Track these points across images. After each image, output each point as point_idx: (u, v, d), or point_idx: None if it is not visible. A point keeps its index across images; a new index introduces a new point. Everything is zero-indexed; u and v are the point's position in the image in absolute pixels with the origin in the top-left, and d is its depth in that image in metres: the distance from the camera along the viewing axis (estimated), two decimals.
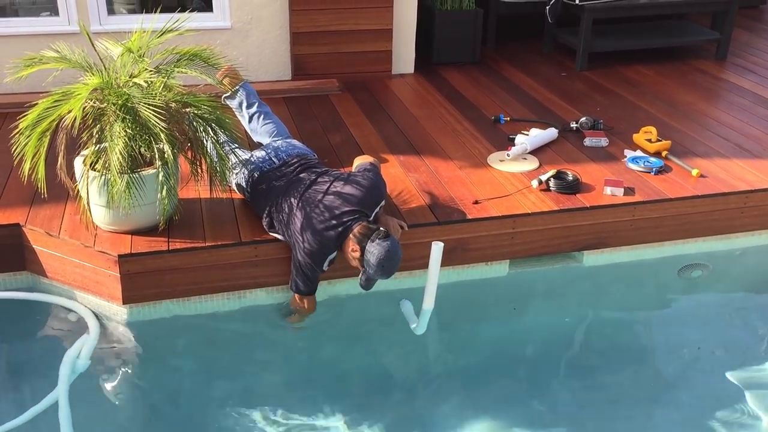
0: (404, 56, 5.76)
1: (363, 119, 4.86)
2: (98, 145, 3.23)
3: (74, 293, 3.51)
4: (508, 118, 4.86)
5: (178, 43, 3.43)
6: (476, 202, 3.74)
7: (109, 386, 3.23)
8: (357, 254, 3.13)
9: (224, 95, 3.94)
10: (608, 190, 3.84)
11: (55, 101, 3.10)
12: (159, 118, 3.04)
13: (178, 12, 3.60)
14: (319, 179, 3.39)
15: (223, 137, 3.37)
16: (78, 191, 3.30)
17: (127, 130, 3.11)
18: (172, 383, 3.27)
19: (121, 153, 3.07)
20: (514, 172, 4.09)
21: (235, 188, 3.68)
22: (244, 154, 3.65)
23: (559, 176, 3.92)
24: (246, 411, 3.09)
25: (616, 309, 3.81)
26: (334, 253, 3.25)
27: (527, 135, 4.44)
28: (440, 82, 5.64)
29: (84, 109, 3.07)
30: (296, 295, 3.36)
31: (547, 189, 3.87)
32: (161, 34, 3.38)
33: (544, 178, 3.90)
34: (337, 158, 4.21)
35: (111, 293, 3.38)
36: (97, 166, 3.24)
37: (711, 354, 3.49)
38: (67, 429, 2.85)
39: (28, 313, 3.52)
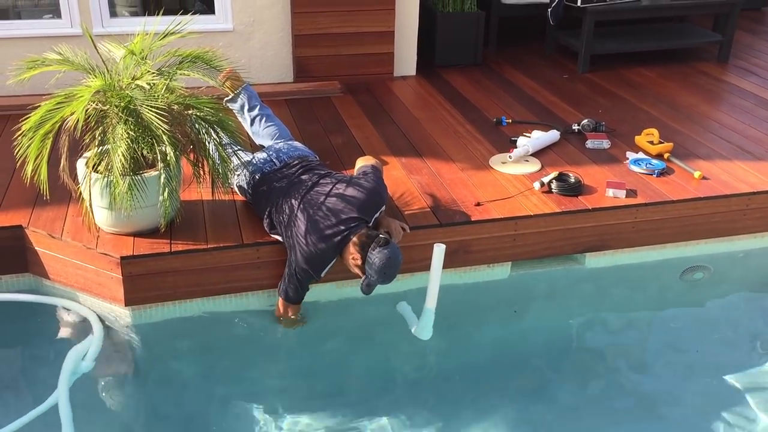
0: (406, 58, 5.77)
1: (365, 121, 4.87)
2: (101, 147, 3.24)
3: (76, 295, 3.52)
4: (510, 120, 4.86)
5: (180, 45, 3.44)
6: (478, 204, 3.74)
7: (111, 388, 3.23)
8: (358, 261, 3.14)
9: (226, 98, 3.94)
10: (610, 192, 3.84)
11: (58, 103, 3.10)
12: (161, 120, 3.04)
13: (180, 14, 3.60)
14: (321, 181, 3.39)
15: (225, 139, 3.38)
16: (80, 193, 3.31)
17: (130, 132, 3.12)
18: (174, 385, 3.27)
19: (123, 155, 3.07)
20: (516, 174, 4.09)
21: (237, 190, 3.69)
22: (246, 156, 3.65)
23: (561, 178, 3.92)
24: (248, 413, 3.09)
25: (618, 311, 3.81)
26: (333, 260, 3.24)
27: (529, 137, 4.44)
28: (442, 84, 5.65)
29: (86, 111, 3.07)
30: (281, 303, 3.35)
31: (549, 191, 3.87)
32: (163, 37, 3.39)
33: (546, 180, 3.90)
34: (339, 160, 4.22)
35: (113, 295, 3.39)
36: (99, 168, 3.25)
37: (712, 356, 3.49)
38: (68, 430, 2.85)
39: (30, 316, 3.52)
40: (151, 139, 3.16)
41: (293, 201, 3.31)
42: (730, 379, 3.32)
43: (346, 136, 4.61)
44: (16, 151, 3.15)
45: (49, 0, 5.13)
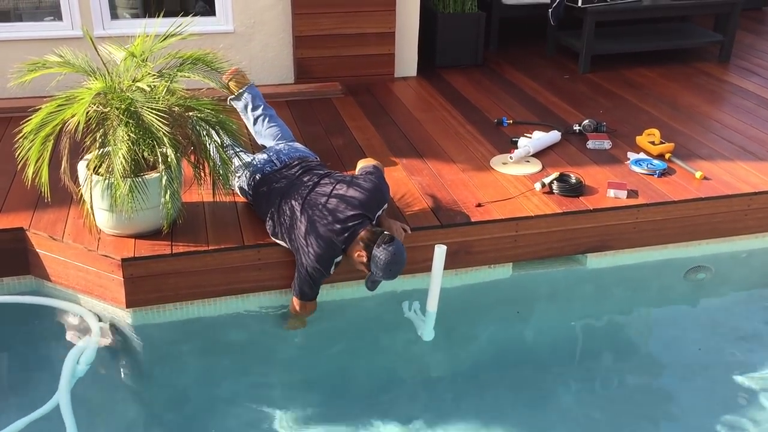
0: (407, 59, 5.77)
1: (366, 122, 4.87)
2: (101, 149, 3.24)
3: (78, 297, 3.52)
4: (511, 121, 4.86)
5: (181, 47, 3.44)
6: (479, 205, 3.74)
7: (112, 389, 3.23)
8: (364, 259, 3.15)
9: (230, 97, 3.95)
10: (611, 192, 3.84)
11: (59, 106, 3.10)
12: (162, 122, 3.04)
13: (181, 16, 3.61)
14: (321, 182, 3.39)
15: (226, 140, 3.38)
16: (81, 195, 3.31)
17: (131, 134, 3.12)
18: (175, 386, 3.27)
19: (124, 157, 3.08)
20: (517, 174, 4.08)
21: (238, 191, 3.69)
22: (247, 157, 3.66)
23: (562, 179, 3.92)
24: (249, 414, 3.09)
25: (620, 312, 3.80)
26: (340, 257, 3.25)
27: (530, 138, 4.44)
28: (443, 85, 5.65)
29: (87, 113, 3.07)
30: (297, 301, 3.35)
31: (550, 192, 3.87)
32: (164, 39, 3.39)
33: (547, 180, 3.89)
34: (340, 161, 4.22)
35: (114, 297, 3.39)
36: (100, 170, 3.25)
37: (714, 356, 3.48)
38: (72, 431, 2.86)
39: (31, 317, 3.53)
40: (152, 141, 3.16)
41: (294, 202, 3.31)
42: (732, 379, 3.31)
43: (346, 138, 4.61)
44: (17, 154, 3.15)
45: (50, 2, 5.14)
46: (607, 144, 4.45)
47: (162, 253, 3.32)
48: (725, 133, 4.72)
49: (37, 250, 3.52)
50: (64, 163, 3.14)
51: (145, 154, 3.23)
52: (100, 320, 3.43)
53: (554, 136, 4.49)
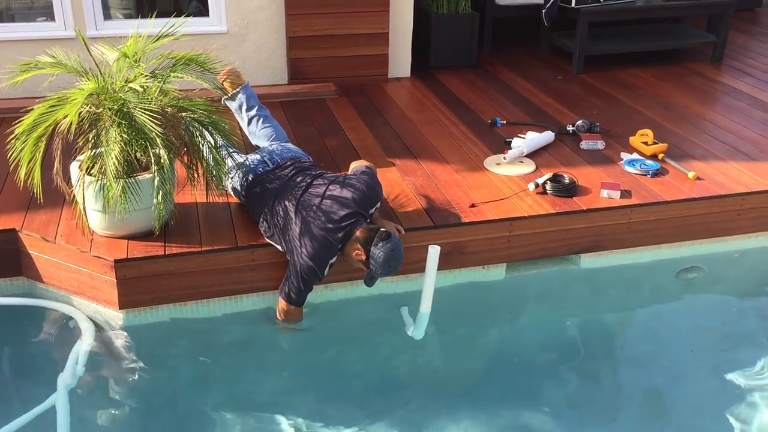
0: (401, 60, 5.77)
1: (359, 123, 4.86)
2: (94, 150, 3.23)
3: (71, 298, 3.51)
4: (505, 122, 4.86)
5: (174, 47, 3.43)
6: (473, 206, 3.74)
7: (105, 391, 3.22)
8: (363, 257, 3.16)
9: (224, 97, 3.94)
10: (605, 193, 3.85)
11: (51, 106, 3.09)
12: (155, 123, 3.03)
13: (174, 17, 3.60)
14: (314, 182, 3.39)
15: (219, 141, 3.37)
16: (74, 196, 3.30)
17: (123, 135, 3.11)
18: (169, 388, 3.26)
19: (117, 158, 3.06)
20: (510, 175, 4.09)
21: (231, 192, 3.68)
22: (240, 158, 3.65)
23: (555, 179, 3.92)
24: (243, 416, 3.08)
25: (613, 312, 3.81)
26: (335, 258, 3.25)
27: (524, 138, 4.44)
28: (437, 85, 5.65)
29: (80, 114, 3.06)
30: (282, 304, 3.34)
31: (544, 192, 3.87)
32: (157, 39, 3.38)
33: (540, 181, 3.90)
34: (334, 162, 4.21)
35: (107, 298, 3.38)
36: (93, 171, 3.24)
37: (707, 356, 3.49)
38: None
39: (24, 319, 3.51)
40: (144, 141, 3.15)
41: (287, 203, 3.31)
42: (725, 378, 3.32)
43: (340, 138, 4.61)
44: (9, 155, 3.14)
45: (42, 3, 5.12)
46: (600, 144, 4.46)
47: (155, 254, 3.31)
48: (718, 134, 4.74)
49: (30, 251, 3.50)
50: (56, 164, 3.13)
51: (138, 154, 3.22)
52: (92, 322, 3.41)
53: (548, 136, 4.49)
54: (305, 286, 3.27)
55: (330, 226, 3.19)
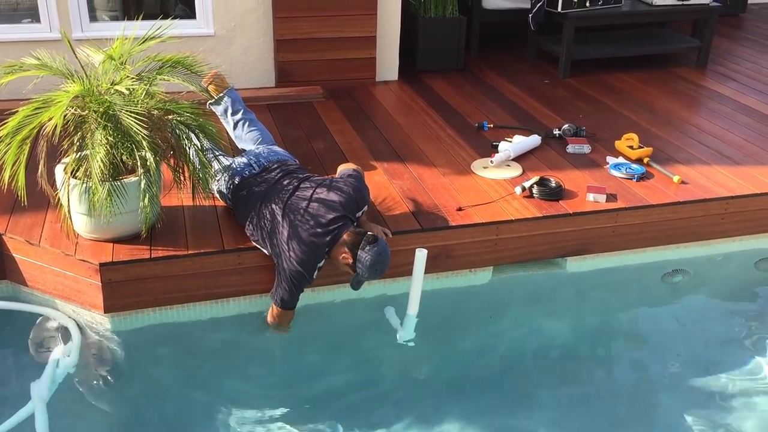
0: (388, 63, 5.77)
1: (347, 126, 4.86)
2: (79, 153, 3.21)
3: (55, 302, 3.48)
4: (492, 125, 4.88)
5: (160, 50, 3.42)
6: (460, 209, 3.75)
7: (90, 396, 3.20)
8: (349, 260, 3.16)
9: (210, 101, 3.93)
10: (591, 196, 3.87)
11: (36, 109, 3.07)
12: (141, 126, 3.02)
13: (161, 19, 3.58)
14: (301, 185, 3.38)
15: (206, 144, 3.36)
16: (59, 199, 3.27)
17: (109, 137, 3.10)
18: (155, 392, 3.24)
19: (102, 161, 3.05)
20: (497, 178, 4.10)
21: (217, 195, 3.67)
22: (226, 161, 3.64)
23: (542, 183, 3.94)
24: (229, 420, 3.07)
25: (599, 315, 3.83)
26: (323, 261, 3.25)
27: (510, 142, 4.46)
28: (424, 89, 5.66)
29: (65, 116, 3.05)
30: (275, 309, 3.33)
31: (531, 196, 3.89)
32: (143, 41, 3.37)
33: (527, 184, 3.91)
34: (321, 165, 4.21)
35: (92, 302, 3.36)
36: (78, 173, 3.22)
37: (693, 358, 3.51)
38: None
39: (7, 323, 3.48)
40: (130, 144, 3.14)
41: (274, 207, 3.30)
42: (710, 380, 3.35)
43: (328, 142, 4.61)
44: None
45: (27, 4, 5.08)
46: (586, 148, 4.48)
47: (140, 257, 3.29)
48: (702, 138, 4.78)
49: (14, 254, 3.47)
50: (41, 167, 3.11)
51: (124, 157, 3.21)
52: (78, 326, 3.39)
53: (534, 140, 4.51)
54: (296, 289, 3.26)
55: (318, 230, 3.19)
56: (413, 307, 3.44)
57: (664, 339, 3.67)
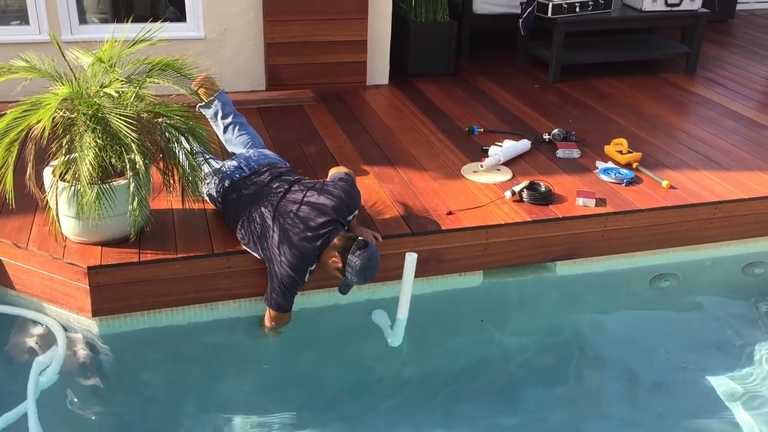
0: (379, 67, 5.78)
1: (337, 130, 4.86)
2: (68, 156, 3.19)
3: (43, 306, 3.46)
4: (482, 130, 4.89)
5: (150, 53, 3.41)
6: (450, 213, 3.76)
7: (78, 400, 3.17)
8: (339, 265, 3.15)
9: (199, 105, 3.92)
10: (580, 201, 3.88)
11: (24, 111, 3.06)
12: (130, 129, 3.01)
13: (151, 21, 3.57)
14: (292, 189, 3.37)
15: (196, 147, 3.35)
16: (47, 202, 3.26)
17: (98, 140, 3.08)
18: (143, 397, 3.23)
19: (91, 163, 3.03)
20: (487, 183, 4.11)
21: (207, 198, 3.66)
22: (216, 164, 3.63)
23: (532, 187, 3.95)
24: (218, 424, 3.06)
25: (589, 319, 3.84)
26: (314, 265, 3.24)
27: (501, 146, 4.47)
28: (415, 93, 5.67)
29: (54, 119, 3.03)
30: (272, 313, 3.32)
31: (520, 200, 3.90)
32: (133, 44, 3.36)
33: (517, 189, 3.92)
34: (312, 169, 4.21)
35: (80, 306, 3.34)
36: (66, 176, 3.20)
37: (681, 362, 3.53)
38: None
39: None
40: (119, 147, 3.12)
41: (264, 210, 3.29)
42: (698, 384, 3.36)
43: (318, 145, 4.60)
44: None
45: (16, 6, 5.06)
46: (576, 153, 4.50)
47: (129, 261, 3.27)
48: (691, 143, 4.81)
49: (1, 257, 3.45)
50: (29, 170, 3.09)
51: (113, 160, 3.19)
52: (65, 329, 3.37)
53: (524, 144, 4.53)
54: (289, 293, 3.26)
55: (309, 234, 3.18)
56: (403, 312, 3.44)
57: (653, 343, 3.68)
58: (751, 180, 4.25)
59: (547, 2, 5.88)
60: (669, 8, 6.19)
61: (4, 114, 3.08)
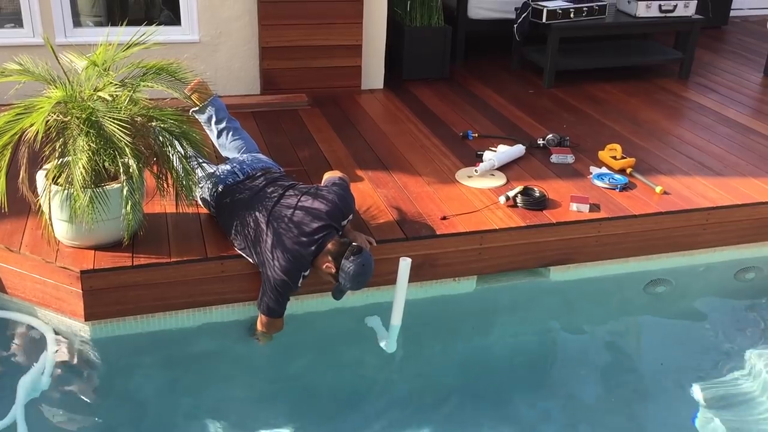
0: (374, 72, 5.78)
1: (332, 134, 4.86)
2: (61, 159, 3.18)
3: (35, 310, 3.44)
4: (477, 135, 4.90)
5: (144, 56, 3.40)
6: (444, 218, 3.76)
7: (70, 405, 3.16)
8: (332, 270, 3.15)
9: (193, 109, 3.91)
10: (574, 206, 3.89)
11: (17, 114, 3.04)
12: (124, 132, 3.00)
13: (146, 25, 3.57)
14: (286, 194, 3.37)
15: (189, 151, 3.34)
16: (40, 206, 3.24)
17: (91, 144, 3.07)
18: (136, 402, 3.21)
19: (84, 167, 3.02)
20: (481, 188, 4.11)
21: (201, 203, 3.65)
22: (210, 168, 3.62)
23: (526, 192, 3.96)
24: (211, 429, 3.04)
25: (582, 324, 3.84)
26: (308, 270, 3.23)
27: (495, 151, 4.48)
28: (409, 98, 5.67)
29: (47, 122, 3.02)
30: (264, 318, 3.31)
31: (515, 205, 3.90)
32: (127, 48, 3.35)
33: (511, 194, 3.93)
34: (306, 173, 4.20)
35: (73, 310, 3.32)
36: (59, 180, 3.19)
37: (675, 368, 3.53)
38: None
39: None
40: (113, 151, 3.11)
41: (258, 215, 3.29)
42: (691, 389, 3.36)
43: (312, 149, 4.60)
44: None
45: (10, 9, 5.05)
46: (570, 158, 4.51)
47: (122, 265, 3.26)
48: (684, 149, 4.82)
49: None
50: (22, 173, 3.08)
51: (106, 164, 3.18)
52: (57, 334, 3.35)
53: (518, 150, 4.53)
54: (281, 298, 3.25)
55: (303, 239, 3.18)
56: (397, 317, 3.44)
57: (646, 348, 3.69)
58: (744, 186, 4.27)
59: (541, 8, 5.90)
60: (663, 14, 6.22)
61: None
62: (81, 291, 3.24)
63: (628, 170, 4.35)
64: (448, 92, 5.83)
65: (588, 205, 3.88)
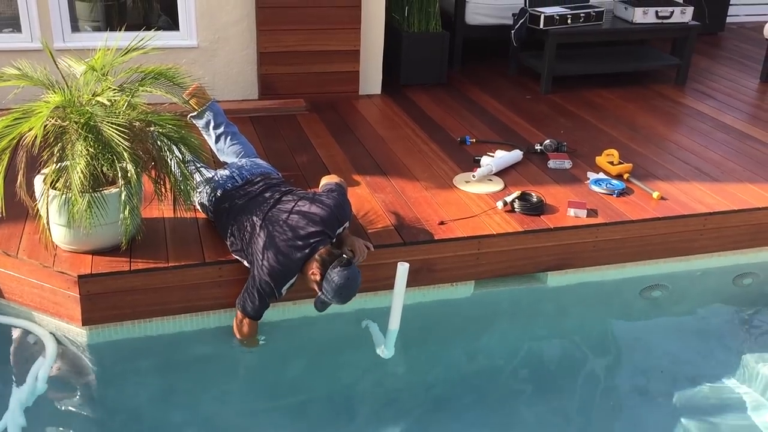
0: (371, 77, 5.80)
1: (330, 140, 4.87)
2: (59, 164, 3.18)
3: (32, 314, 3.44)
4: (474, 140, 4.91)
5: (143, 61, 3.41)
6: (442, 223, 3.76)
7: (66, 410, 3.15)
8: (317, 278, 3.12)
9: (191, 114, 3.91)
10: (571, 211, 3.90)
11: (16, 119, 3.05)
12: (122, 137, 3.00)
13: (144, 30, 3.58)
14: (283, 198, 3.37)
15: (188, 156, 3.35)
16: (38, 210, 3.24)
17: (90, 148, 3.08)
18: (133, 406, 3.21)
19: (82, 172, 3.02)
20: (479, 193, 4.12)
21: (199, 207, 3.65)
22: (208, 173, 3.63)
23: (523, 198, 3.97)
24: None
25: (579, 329, 3.85)
26: (295, 278, 3.22)
27: (492, 156, 4.49)
28: (407, 103, 5.68)
29: (45, 127, 3.02)
30: (239, 316, 3.30)
31: (512, 210, 3.91)
32: (126, 53, 3.36)
33: (509, 199, 3.94)
34: (304, 178, 4.21)
35: (70, 314, 3.32)
36: (57, 184, 3.19)
37: (672, 372, 3.54)
38: None
39: None
40: (111, 155, 3.12)
41: (254, 218, 3.29)
42: (689, 395, 3.37)
43: (310, 155, 4.61)
44: None
45: (9, 14, 5.05)
46: (567, 164, 4.52)
47: (120, 269, 3.26)
48: (681, 155, 4.83)
49: None
50: (20, 177, 3.08)
51: (104, 168, 3.19)
52: (54, 338, 3.35)
53: (516, 155, 4.54)
54: (260, 301, 3.22)
55: (298, 242, 3.17)
56: (394, 322, 3.44)
57: (643, 354, 3.69)
58: (741, 191, 4.28)
59: (539, 14, 5.92)
60: (660, 21, 6.24)
61: None
62: (78, 295, 3.23)
63: (626, 176, 4.36)
64: (446, 97, 5.85)
65: (585, 211, 3.89)
